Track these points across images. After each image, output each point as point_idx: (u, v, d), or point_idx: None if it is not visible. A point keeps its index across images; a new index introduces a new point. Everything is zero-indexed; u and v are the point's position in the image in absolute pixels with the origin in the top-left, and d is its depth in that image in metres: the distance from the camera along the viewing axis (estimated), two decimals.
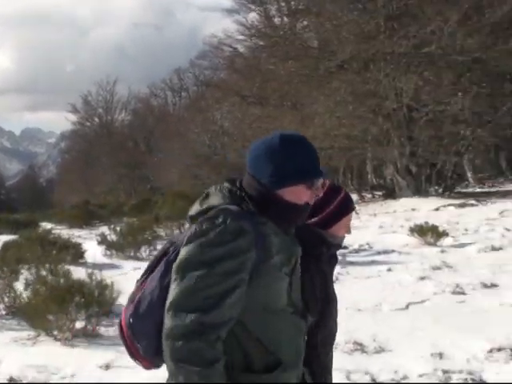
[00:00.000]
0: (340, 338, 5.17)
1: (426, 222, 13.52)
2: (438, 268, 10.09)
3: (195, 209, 2.25)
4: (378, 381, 5.23)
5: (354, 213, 2.76)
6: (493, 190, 28.24)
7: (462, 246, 12.51)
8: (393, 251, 12.30)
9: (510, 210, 18.08)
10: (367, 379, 5.28)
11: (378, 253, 12.12)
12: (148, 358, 2.19)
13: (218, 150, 51.41)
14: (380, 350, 5.98)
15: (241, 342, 2.12)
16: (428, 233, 12.86)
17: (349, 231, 2.70)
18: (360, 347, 6.12)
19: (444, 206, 20.91)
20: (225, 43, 38.16)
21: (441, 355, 5.64)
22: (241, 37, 36.01)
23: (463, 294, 8.24)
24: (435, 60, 25.23)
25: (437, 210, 20.25)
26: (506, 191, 26.08)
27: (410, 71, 25.36)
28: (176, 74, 68.88)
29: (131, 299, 2.23)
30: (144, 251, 14.36)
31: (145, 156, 65.30)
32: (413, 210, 21.07)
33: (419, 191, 26.18)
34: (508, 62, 23.83)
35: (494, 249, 11.71)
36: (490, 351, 5.70)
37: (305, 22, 33.07)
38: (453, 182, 28.56)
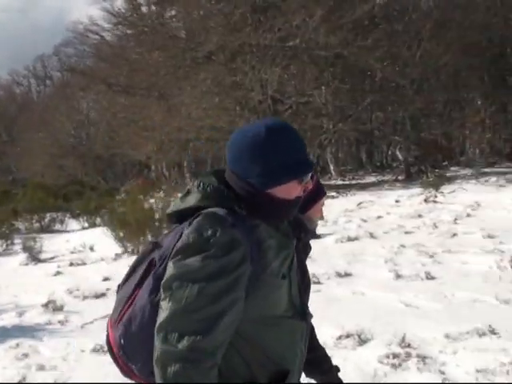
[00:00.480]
0: None
1: None
2: None
3: (174, 206, 2.04)
4: None
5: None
6: (353, 182, 29.33)
7: (322, 237, 12.87)
8: None
9: (367, 201, 18.86)
10: None
11: None
12: (144, 377, 2.00)
13: (84, 140, 50.34)
14: None
15: (241, 353, 1.96)
16: None
17: (322, 216, 2.69)
18: None
19: None
20: (91, 30, 37.12)
21: None
22: (107, 25, 35.18)
23: (319, 283, 8.43)
24: (299, 54, 25.79)
25: None
26: (364, 183, 27.23)
27: (275, 64, 25.73)
28: (40, 61, 66.74)
29: (116, 315, 2.02)
30: (0, 245, 13.86)
31: (6, 146, 62.84)
32: None
33: None
34: (367, 59, 24.72)
35: (350, 239, 12.14)
36: (339, 338, 5.86)
37: (173, 12, 32.82)
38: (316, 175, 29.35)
